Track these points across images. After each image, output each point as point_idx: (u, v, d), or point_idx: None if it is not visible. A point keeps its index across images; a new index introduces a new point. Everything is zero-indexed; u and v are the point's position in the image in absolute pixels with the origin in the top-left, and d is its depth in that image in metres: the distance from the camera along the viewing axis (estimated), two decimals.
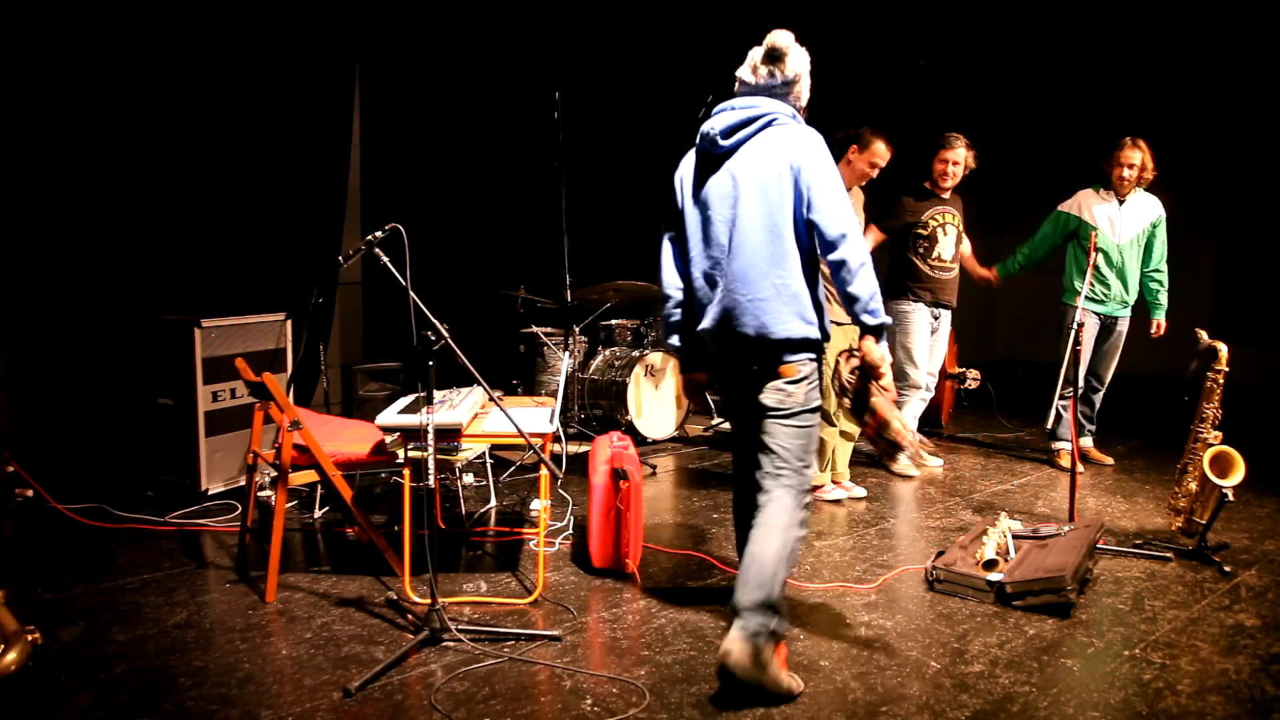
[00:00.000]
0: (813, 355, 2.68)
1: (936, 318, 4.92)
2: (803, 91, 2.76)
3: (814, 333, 2.65)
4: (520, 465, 4.90)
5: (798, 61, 2.71)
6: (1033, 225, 5.08)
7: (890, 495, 4.54)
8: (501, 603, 3.15)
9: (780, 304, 2.61)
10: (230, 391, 4.32)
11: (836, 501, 4.41)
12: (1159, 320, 4.97)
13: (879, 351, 2.67)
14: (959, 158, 4.69)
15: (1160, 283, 4.94)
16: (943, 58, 7.64)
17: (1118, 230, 4.81)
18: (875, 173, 4.15)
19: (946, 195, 4.81)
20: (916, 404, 5.01)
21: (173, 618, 3.00)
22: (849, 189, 4.15)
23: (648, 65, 7.14)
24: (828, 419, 4.39)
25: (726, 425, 6.05)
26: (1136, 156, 4.73)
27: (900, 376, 4.86)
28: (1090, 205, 4.84)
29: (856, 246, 2.61)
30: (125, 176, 4.65)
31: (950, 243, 4.80)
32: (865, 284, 2.62)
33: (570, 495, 4.33)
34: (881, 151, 4.10)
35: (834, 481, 4.49)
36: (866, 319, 2.63)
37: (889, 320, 2.78)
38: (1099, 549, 3.62)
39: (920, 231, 4.77)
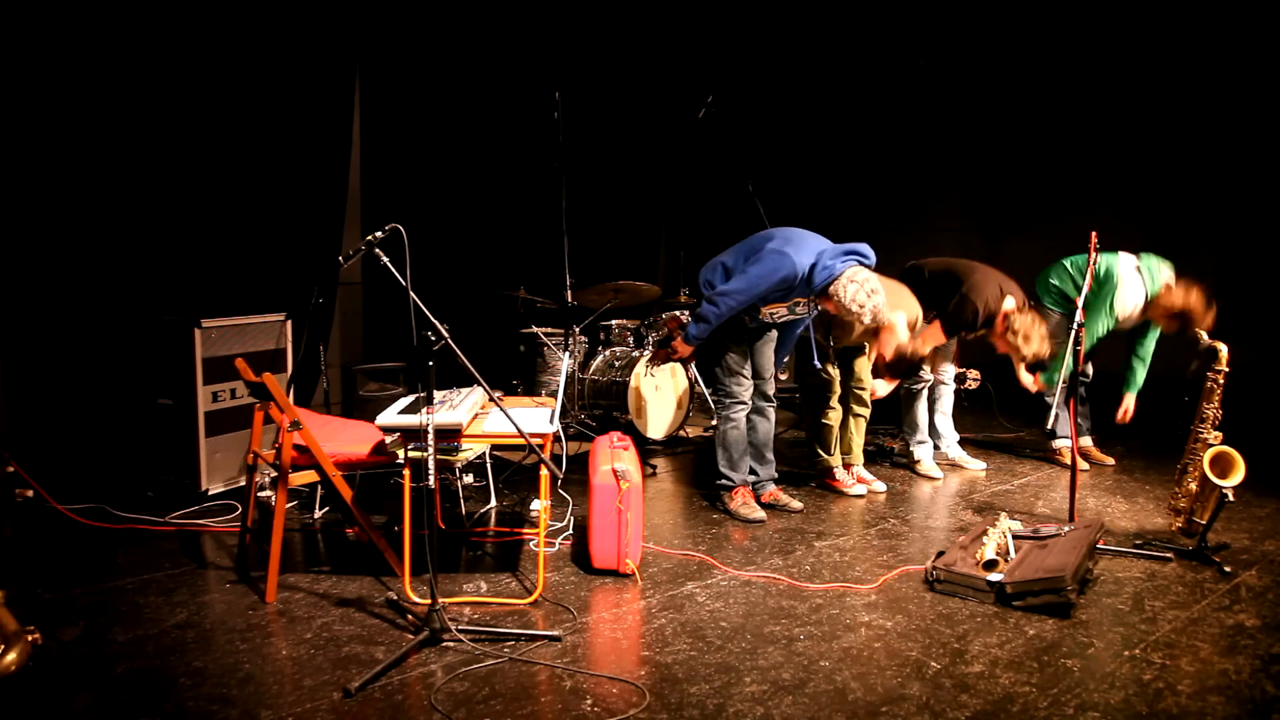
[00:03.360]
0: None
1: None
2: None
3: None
4: (520, 465, 4.90)
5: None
6: (1031, 226, 5.06)
7: (891, 496, 4.54)
8: (501, 603, 3.15)
9: None
10: (230, 392, 4.32)
11: (859, 496, 4.47)
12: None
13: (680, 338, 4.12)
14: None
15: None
16: (943, 58, 7.64)
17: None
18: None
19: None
20: (947, 399, 5.01)
21: (173, 618, 3.00)
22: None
23: (648, 65, 7.14)
24: (840, 401, 4.46)
25: None
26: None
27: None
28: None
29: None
30: (125, 177, 4.65)
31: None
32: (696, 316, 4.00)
33: (570, 495, 4.32)
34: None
35: (858, 479, 4.57)
36: (689, 327, 4.03)
37: (695, 336, 3.96)
38: (1099, 549, 3.62)
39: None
